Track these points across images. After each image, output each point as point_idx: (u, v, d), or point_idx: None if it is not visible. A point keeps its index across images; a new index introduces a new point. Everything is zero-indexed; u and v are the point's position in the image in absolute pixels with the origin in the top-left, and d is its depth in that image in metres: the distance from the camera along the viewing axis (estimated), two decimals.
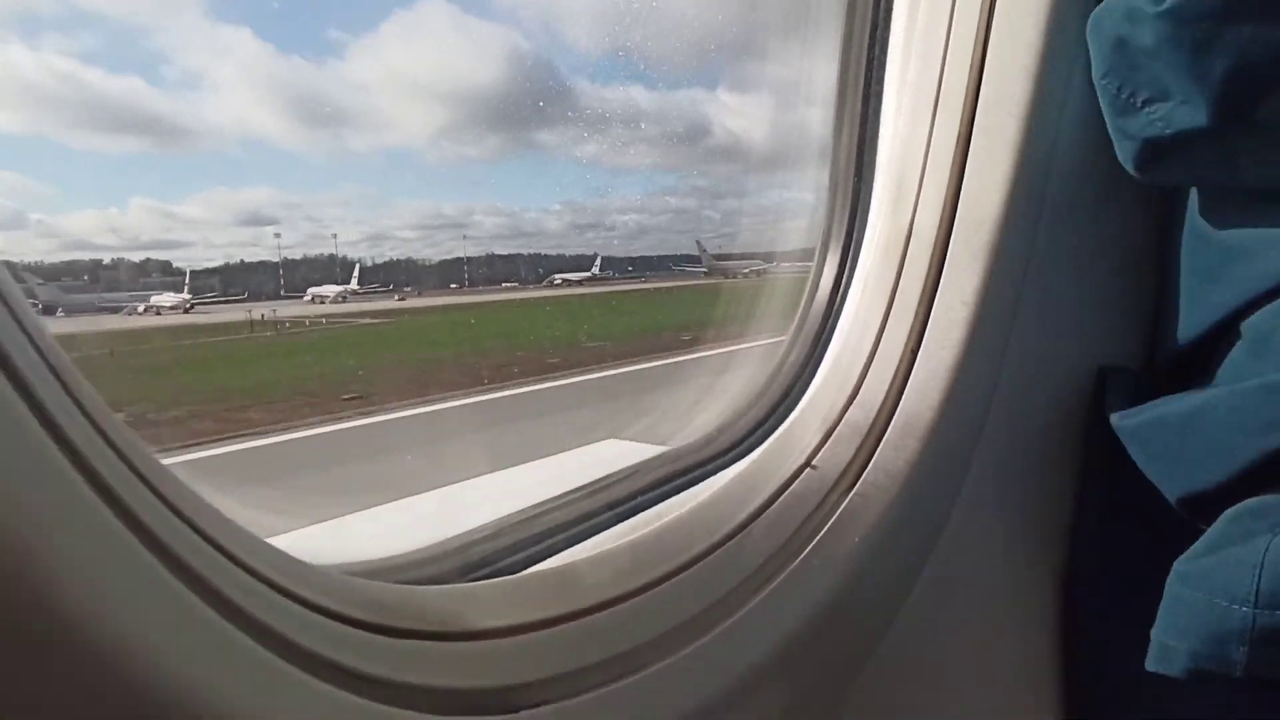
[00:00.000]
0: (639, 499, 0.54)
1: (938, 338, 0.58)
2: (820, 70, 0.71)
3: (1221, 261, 0.55)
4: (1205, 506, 0.51)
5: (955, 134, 0.60)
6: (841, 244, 0.68)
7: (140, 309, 2.86)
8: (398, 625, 0.32)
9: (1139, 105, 0.52)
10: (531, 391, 2.94)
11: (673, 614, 0.45)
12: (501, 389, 2.84)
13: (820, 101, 0.71)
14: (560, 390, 3.08)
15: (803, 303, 0.69)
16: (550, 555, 0.46)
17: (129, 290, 2.93)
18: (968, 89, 0.59)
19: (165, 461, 0.28)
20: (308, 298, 3.77)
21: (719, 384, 0.73)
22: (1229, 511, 0.49)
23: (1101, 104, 0.56)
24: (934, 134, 0.61)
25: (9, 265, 0.27)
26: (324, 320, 3.74)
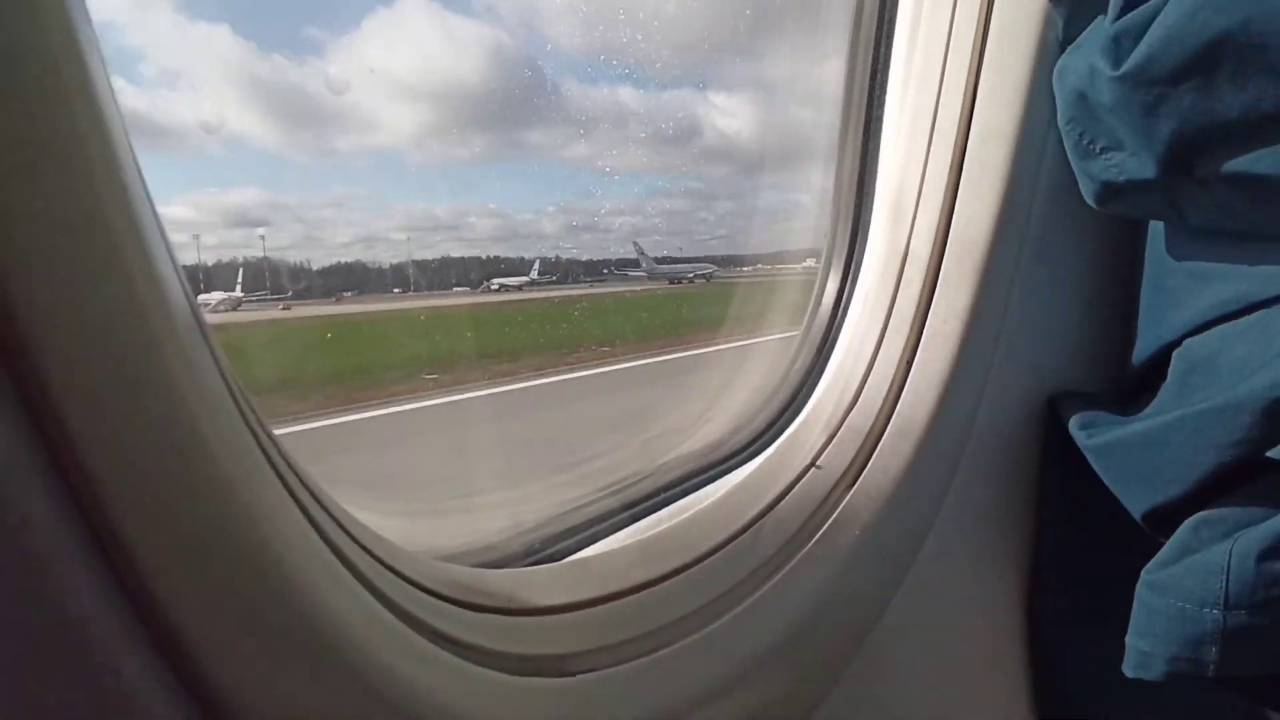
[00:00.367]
0: (664, 495, 0.60)
1: (931, 349, 0.63)
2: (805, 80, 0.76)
3: (1177, 288, 0.58)
4: (1165, 519, 0.54)
5: (949, 162, 0.63)
6: (843, 261, 0.72)
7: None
8: (477, 602, 0.38)
9: (1098, 151, 0.55)
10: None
11: (694, 598, 0.50)
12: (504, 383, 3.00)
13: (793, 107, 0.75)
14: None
15: (807, 314, 0.74)
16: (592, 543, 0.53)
17: None
18: (960, 120, 0.63)
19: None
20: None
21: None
22: (1188, 521, 0.51)
23: (1066, 145, 0.59)
24: (929, 162, 0.65)
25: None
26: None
